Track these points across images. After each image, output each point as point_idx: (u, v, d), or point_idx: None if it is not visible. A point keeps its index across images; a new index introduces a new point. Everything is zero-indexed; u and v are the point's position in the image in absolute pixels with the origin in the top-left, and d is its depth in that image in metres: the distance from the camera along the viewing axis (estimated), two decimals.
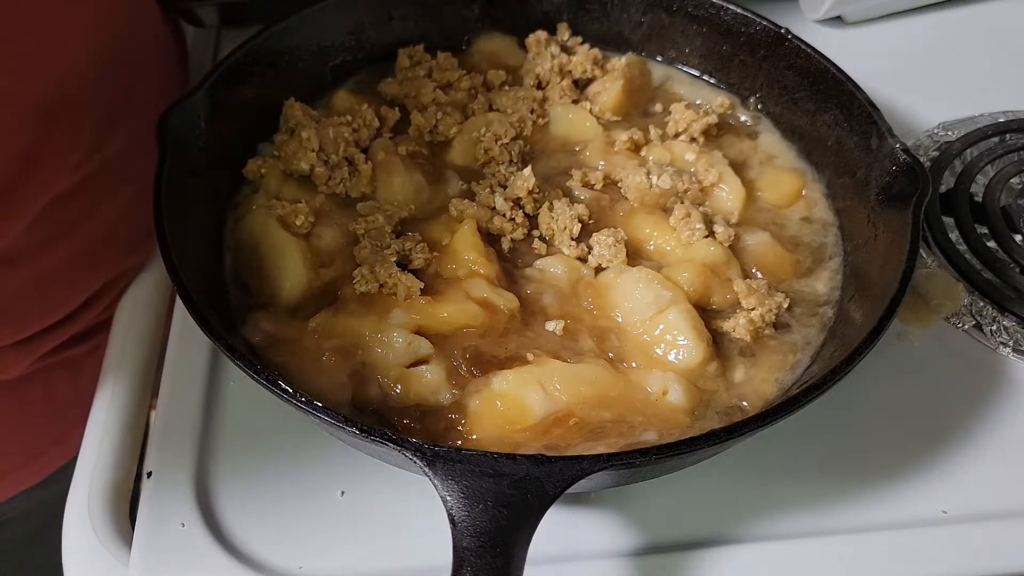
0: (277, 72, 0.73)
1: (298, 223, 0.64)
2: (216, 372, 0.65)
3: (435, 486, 0.45)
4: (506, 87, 0.79)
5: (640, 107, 0.79)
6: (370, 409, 0.57)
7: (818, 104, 0.72)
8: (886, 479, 0.62)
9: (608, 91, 0.77)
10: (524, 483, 0.45)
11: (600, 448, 0.55)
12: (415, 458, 0.46)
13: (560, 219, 0.67)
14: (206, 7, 0.85)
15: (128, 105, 0.69)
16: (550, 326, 0.61)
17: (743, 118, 0.78)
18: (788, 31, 0.74)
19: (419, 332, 0.59)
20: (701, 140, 0.75)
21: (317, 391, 0.57)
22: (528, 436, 0.55)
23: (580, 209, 0.67)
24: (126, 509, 0.62)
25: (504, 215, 0.67)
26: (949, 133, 0.84)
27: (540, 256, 0.66)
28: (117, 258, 0.76)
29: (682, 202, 0.68)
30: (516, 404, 0.56)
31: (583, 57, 0.79)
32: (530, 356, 0.59)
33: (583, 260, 0.66)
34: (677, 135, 0.75)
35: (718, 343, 0.62)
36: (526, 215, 0.68)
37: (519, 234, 0.67)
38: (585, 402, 0.57)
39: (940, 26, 0.98)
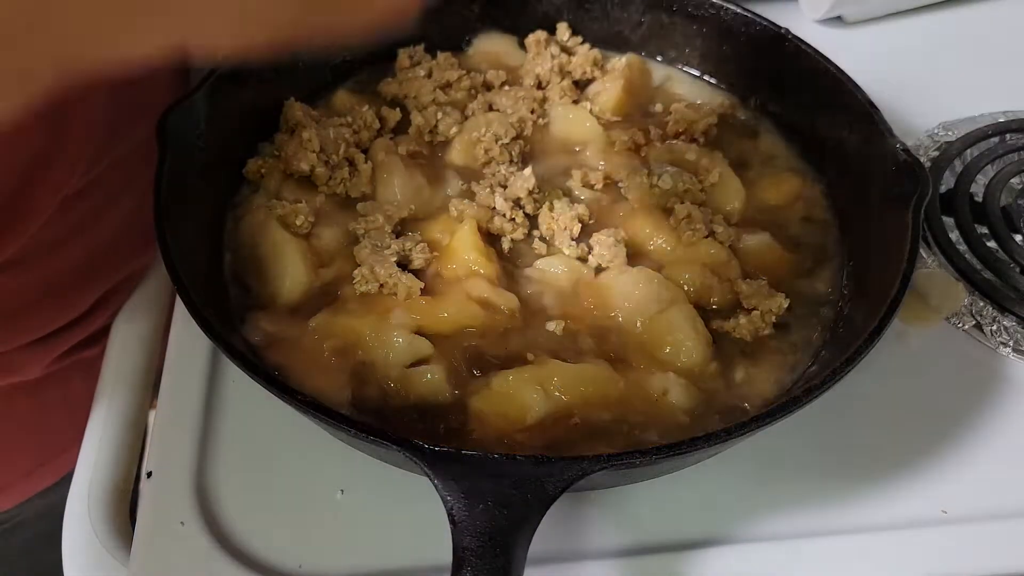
0: (277, 72, 0.72)
1: (298, 223, 0.64)
2: (216, 372, 0.65)
3: (435, 486, 0.45)
4: (506, 87, 0.79)
5: (640, 107, 0.79)
6: (370, 409, 0.57)
7: (818, 104, 0.72)
8: (886, 479, 0.62)
9: (608, 91, 0.77)
10: (524, 483, 0.45)
11: (600, 448, 0.55)
12: (415, 458, 0.45)
13: (560, 219, 0.67)
14: None
15: (137, 102, 0.69)
16: (550, 326, 0.61)
17: (743, 118, 0.78)
18: (788, 31, 0.74)
19: (419, 332, 0.59)
20: (701, 140, 0.75)
21: (317, 391, 0.56)
22: (528, 436, 0.55)
23: (580, 209, 0.67)
24: (126, 509, 0.62)
25: (504, 215, 0.67)
26: (949, 133, 0.84)
27: (540, 256, 0.66)
28: (127, 259, 0.77)
29: (682, 202, 0.68)
30: (516, 404, 0.56)
31: (583, 57, 0.79)
32: (530, 356, 0.59)
33: (583, 260, 0.66)
34: (677, 135, 0.75)
35: (718, 343, 0.62)
36: (526, 215, 0.68)
37: (519, 234, 0.67)
38: (585, 402, 0.57)
39: (940, 26, 0.98)
